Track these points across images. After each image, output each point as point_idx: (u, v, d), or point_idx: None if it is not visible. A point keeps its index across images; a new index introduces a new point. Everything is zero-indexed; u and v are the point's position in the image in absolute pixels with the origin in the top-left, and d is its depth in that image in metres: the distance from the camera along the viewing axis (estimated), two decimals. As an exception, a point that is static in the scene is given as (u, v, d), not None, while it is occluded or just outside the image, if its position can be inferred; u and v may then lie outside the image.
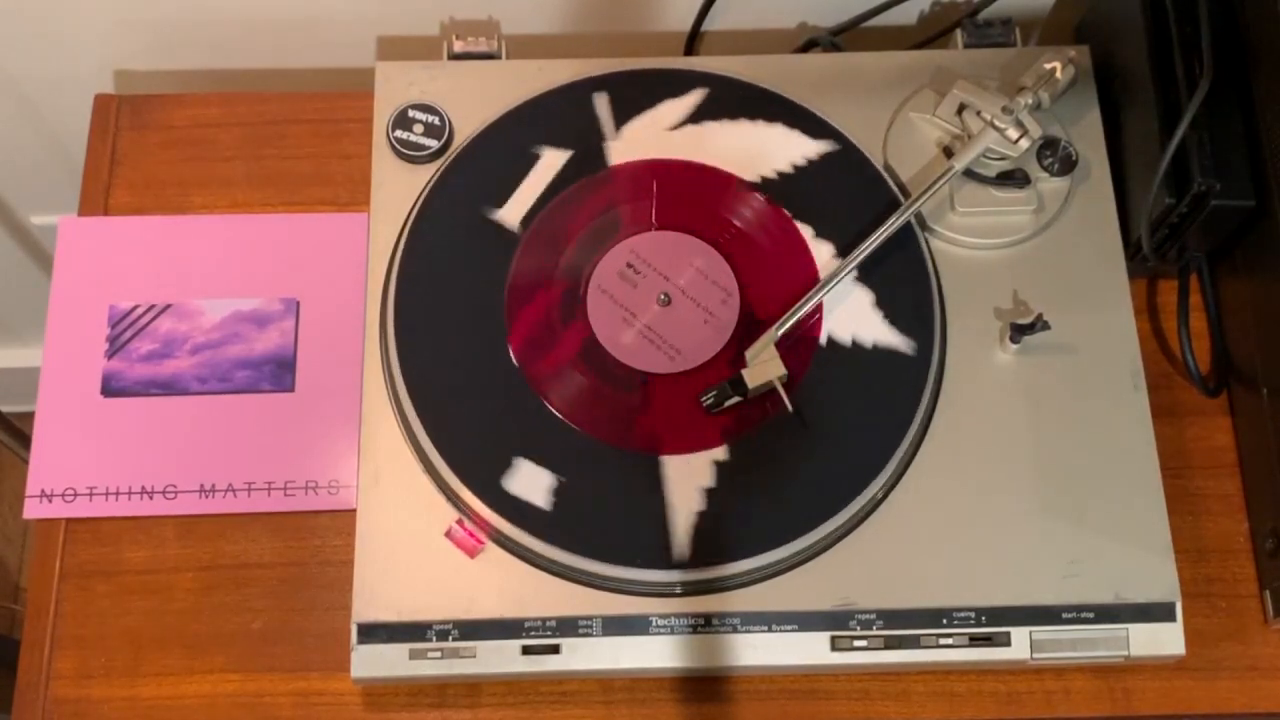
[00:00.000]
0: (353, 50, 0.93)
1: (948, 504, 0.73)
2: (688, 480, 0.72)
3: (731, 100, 0.81)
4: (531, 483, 0.72)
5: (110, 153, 0.86)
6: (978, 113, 0.78)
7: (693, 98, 0.81)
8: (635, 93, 0.81)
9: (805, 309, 0.74)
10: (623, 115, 0.81)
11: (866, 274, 0.76)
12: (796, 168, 0.79)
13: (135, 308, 0.81)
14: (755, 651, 0.70)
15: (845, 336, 0.75)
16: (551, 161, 0.79)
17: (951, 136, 0.80)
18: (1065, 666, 0.73)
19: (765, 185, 0.79)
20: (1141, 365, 0.76)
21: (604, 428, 0.73)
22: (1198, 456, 0.79)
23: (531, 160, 0.79)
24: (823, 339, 0.75)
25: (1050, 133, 0.79)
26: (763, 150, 0.79)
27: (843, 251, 0.77)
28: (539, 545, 0.71)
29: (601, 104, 0.81)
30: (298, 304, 0.81)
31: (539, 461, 0.72)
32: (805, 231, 0.78)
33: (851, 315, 0.76)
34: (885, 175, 0.79)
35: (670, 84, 0.81)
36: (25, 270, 1.21)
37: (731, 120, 0.80)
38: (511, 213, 0.78)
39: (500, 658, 0.70)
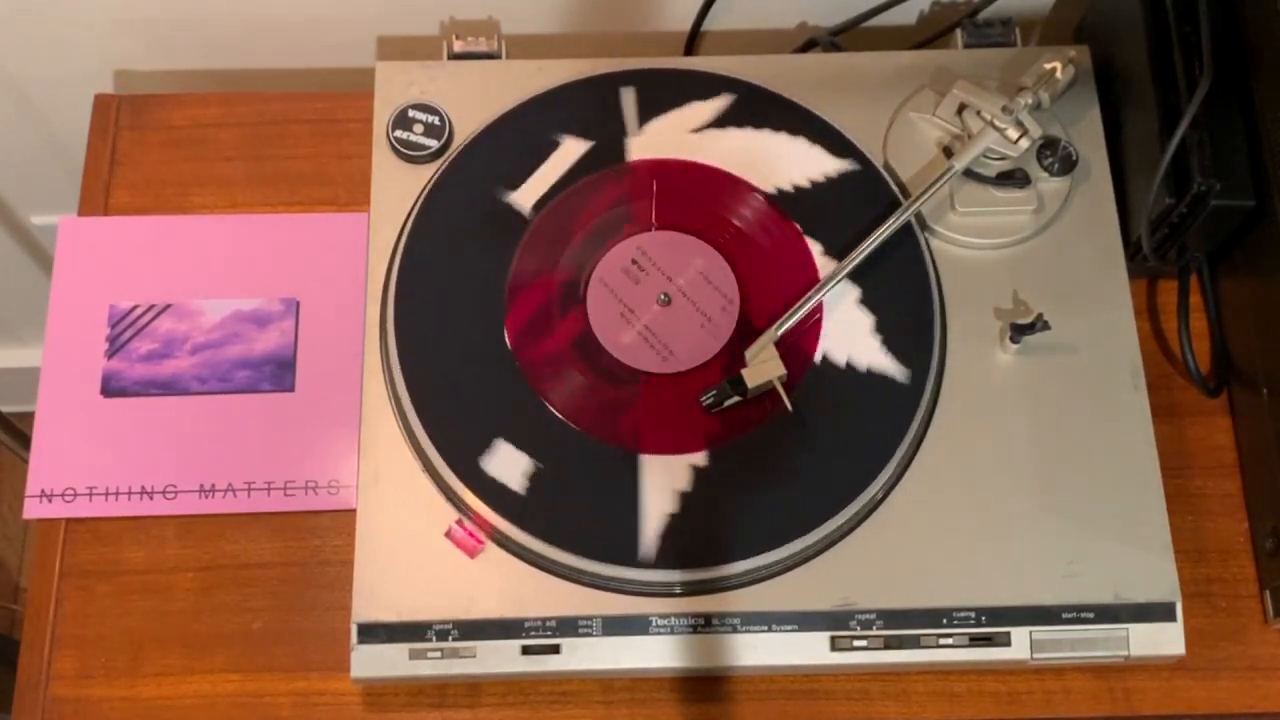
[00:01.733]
0: (353, 50, 0.93)
1: (948, 504, 0.73)
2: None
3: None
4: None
5: (110, 153, 0.86)
6: (978, 113, 0.78)
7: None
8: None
9: (805, 309, 0.74)
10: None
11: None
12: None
13: (135, 308, 0.81)
14: (755, 651, 0.70)
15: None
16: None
17: (951, 136, 0.79)
18: (1065, 666, 0.73)
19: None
20: (1141, 365, 0.76)
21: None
22: (1198, 456, 0.79)
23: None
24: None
25: (1050, 133, 0.79)
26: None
27: (842, 251, 0.76)
28: (538, 545, 0.71)
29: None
30: (298, 304, 0.81)
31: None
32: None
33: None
34: (885, 175, 0.79)
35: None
36: (25, 270, 1.21)
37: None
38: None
39: (500, 658, 0.70)
